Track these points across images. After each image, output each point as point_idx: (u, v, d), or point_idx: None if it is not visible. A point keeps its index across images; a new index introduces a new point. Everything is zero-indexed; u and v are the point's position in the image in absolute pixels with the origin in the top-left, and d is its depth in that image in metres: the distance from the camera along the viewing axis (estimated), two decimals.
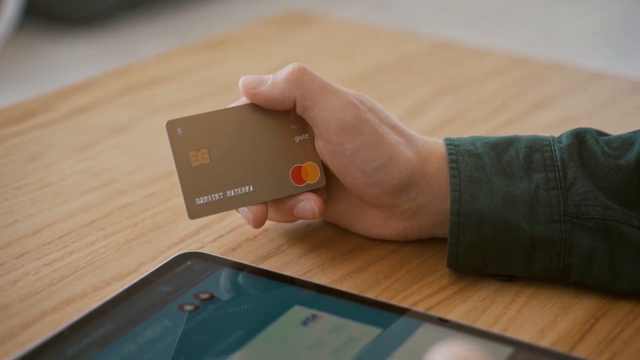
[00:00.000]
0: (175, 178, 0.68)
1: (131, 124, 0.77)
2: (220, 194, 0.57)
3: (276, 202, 0.59)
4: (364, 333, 0.51)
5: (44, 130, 0.75)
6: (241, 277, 0.56)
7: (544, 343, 0.52)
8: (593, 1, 2.89)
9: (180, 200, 0.64)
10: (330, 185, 0.60)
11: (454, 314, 0.54)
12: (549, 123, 0.80)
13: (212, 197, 0.57)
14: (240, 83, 0.57)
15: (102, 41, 2.53)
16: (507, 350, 0.49)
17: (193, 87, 0.86)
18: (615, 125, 0.65)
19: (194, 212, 0.56)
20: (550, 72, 0.92)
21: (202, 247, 0.60)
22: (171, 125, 0.56)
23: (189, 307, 0.52)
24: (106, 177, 0.68)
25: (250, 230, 0.62)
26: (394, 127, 0.59)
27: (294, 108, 0.58)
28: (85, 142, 0.73)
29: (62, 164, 0.70)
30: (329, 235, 0.61)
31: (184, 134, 0.56)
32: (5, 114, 0.77)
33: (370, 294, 0.55)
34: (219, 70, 0.90)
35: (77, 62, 2.41)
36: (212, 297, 0.53)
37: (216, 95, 0.84)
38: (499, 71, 0.91)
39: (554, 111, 0.83)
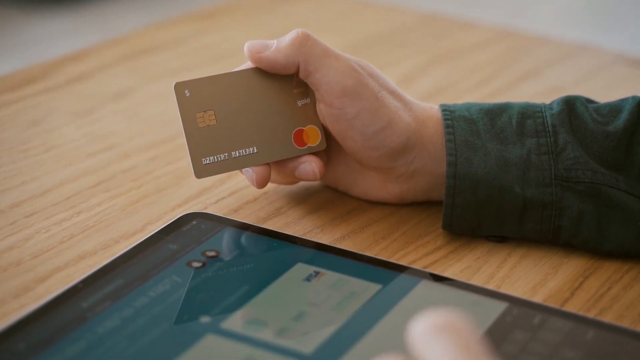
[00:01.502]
0: (176, 142, 0.70)
1: (129, 90, 0.78)
2: (226, 154, 0.59)
3: (278, 164, 0.61)
4: (365, 289, 0.53)
5: (44, 96, 0.76)
6: (245, 236, 0.58)
7: (536, 299, 0.54)
8: None
9: (182, 163, 0.66)
10: (329, 149, 0.62)
11: (450, 272, 0.57)
12: (536, 93, 0.82)
13: (217, 157, 0.58)
14: (245, 47, 0.59)
15: (80, 15, 2.52)
16: (502, 305, 0.52)
17: (187, 55, 0.87)
18: (598, 95, 0.67)
19: (200, 171, 0.58)
20: (536, 44, 0.95)
21: (204, 209, 0.61)
22: (179, 87, 0.58)
23: (196, 264, 0.54)
24: (108, 142, 0.69)
25: (251, 192, 0.63)
26: (392, 93, 0.61)
27: (296, 72, 0.60)
28: (85, 108, 0.74)
29: (64, 128, 0.71)
30: (328, 198, 0.64)
31: (192, 96, 0.58)
32: (5, 80, 0.78)
33: (369, 254, 0.57)
34: (212, 40, 0.91)
35: (55, 36, 2.40)
36: (217, 254, 0.55)
37: (211, 64, 0.85)
38: (486, 43, 0.93)
39: (540, 82, 0.86)
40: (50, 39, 2.40)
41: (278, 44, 0.59)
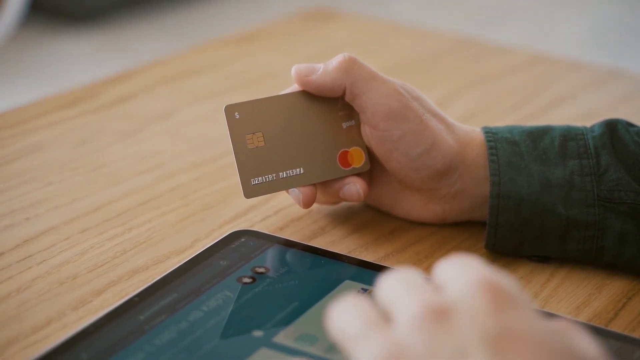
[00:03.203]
0: (220, 162, 0.71)
1: (173, 111, 0.80)
2: (274, 175, 0.60)
3: (323, 185, 0.62)
4: None
5: (91, 116, 0.78)
6: (293, 253, 0.59)
7: (581, 319, 0.55)
8: (587, 2, 2.94)
9: (227, 182, 0.68)
10: (372, 170, 0.64)
11: None
12: (570, 117, 0.83)
13: (266, 178, 0.60)
14: (292, 71, 0.61)
15: (104, 37, 2.55)
16: None
17: (227, 77, 0.89)
18: (632, 120, 0.68)
19: (249, 191, 0.59)
20: (567, 68, 0.96)
21: (251, 226, 0.63)
22: (229, 110, 0.59)
23: (246, 280, 0.55)
24: (155, 161, 0.71)
25: (295, 211, 0.65)
26: (436, 115, 0.62)
27: (342, 95, 0.61)
28: (131, 128, 0.76)
29: (112, 147, 0.73)
30: (370, 217, 0.65)
31: (241, 118, 0.60)
32: (53, 101, 0.80)
33: None
34: (250, 63, 0.93)
35: (79, 57, 2.44)
36: (267, 271, 0.56)
37: (249, 86, 0.87)
38: (519, 67, 0.95)
39: (574, 106, 0.87)
40: (75, 60, 2.43)
41: (325, 67, 0.60)
